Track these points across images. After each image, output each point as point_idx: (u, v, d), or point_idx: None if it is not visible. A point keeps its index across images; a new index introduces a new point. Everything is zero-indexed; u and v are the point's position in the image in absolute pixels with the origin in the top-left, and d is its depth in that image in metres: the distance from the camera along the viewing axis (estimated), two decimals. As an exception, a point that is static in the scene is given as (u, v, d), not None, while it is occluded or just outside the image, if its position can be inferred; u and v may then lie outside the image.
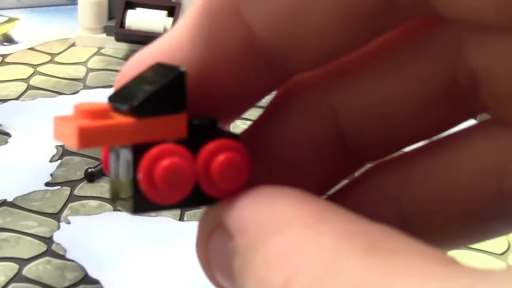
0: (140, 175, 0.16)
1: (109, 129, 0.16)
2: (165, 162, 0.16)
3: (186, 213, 0.49)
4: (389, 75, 0.18)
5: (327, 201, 0.15)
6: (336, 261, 0.14)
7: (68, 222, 0.48)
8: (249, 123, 0.20)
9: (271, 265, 0.14)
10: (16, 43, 0.73)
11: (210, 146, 0.16)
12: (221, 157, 0.16)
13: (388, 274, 0.13)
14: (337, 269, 0.13)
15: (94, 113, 0.16)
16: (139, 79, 0.17)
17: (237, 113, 0.19)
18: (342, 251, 0.14)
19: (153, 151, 0.16)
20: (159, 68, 0.17)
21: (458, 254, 0.47)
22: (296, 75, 0.18)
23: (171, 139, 0.16)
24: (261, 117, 0.20)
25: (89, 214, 0.49)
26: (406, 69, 0.18)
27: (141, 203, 0.16)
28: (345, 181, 0.20)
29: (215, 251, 0.17)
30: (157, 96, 0.16)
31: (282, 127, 0.19)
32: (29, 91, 0.64)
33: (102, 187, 0.51)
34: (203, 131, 0.17)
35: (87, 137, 0.16)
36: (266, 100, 0.20)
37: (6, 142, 0.57)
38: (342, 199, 0.18)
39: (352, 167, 0.20)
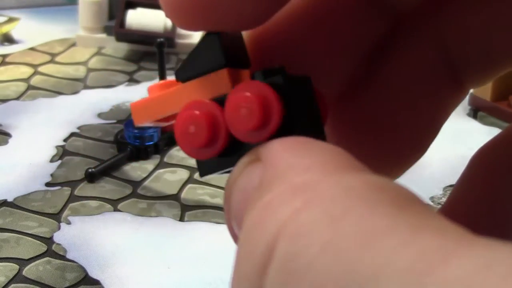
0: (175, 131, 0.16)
1: (158, 99, 0.16)
2: (182, 115, 0.16)
3: (187, 213, 0.49)
4: None
5: (350, 155, 0.14)
6: (360, 203, 0.12)
7: (69, 223, 0.48)
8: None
9: (283, 192, 0.13)
10: (16, 43, 0.73)
11: (234, 91, 0.16)
12: (233, 97, 0.15)
13: (418, 229, 0.12)
14: (361, 211, 0.12)
15: (160, 87, 0.17)
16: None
17: (340, 72, 0.18)
18: (370, 197, 0.13)
19: (183, 108, 0.16)
20: (203, 35, 0.17)
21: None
22: (400, 14, 0.18)
23: (219, 95, 0.16)
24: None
25: (90, 215, 0.49)
26: None
27: (202, 167, 0.16)
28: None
29: (239, 187, 0.15)
30: (192, 58, 0.16)
31: (391, 67, 0.18)
32: (30, 91, 0.64)
33: (103, 187, 0.51)
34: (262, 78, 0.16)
35: (139, 112, 0.17)
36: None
37: (7, 142, 0.56)
38: (387, 53, 0.18)
39: (458, 97, 0.19)
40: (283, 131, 0.15)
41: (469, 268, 0.11)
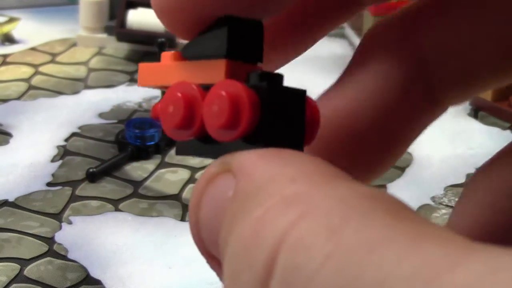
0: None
1: (161, 68, 0.17)
2: (168, 93, 0.16)
3: (188, 213, 0.49)
4: (475, 12, 0.17)
5: (341, 170, 0.14)
6: (355, 215, 0.12)
7: (70, 223, 0.48)
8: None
9: (276, 205, 0.13)
10: (17, 43, 0.72)
11: (218, 84, 0.16)
12: (211, 93, 0.15)
13: (417, 238, 0.12)
14: (357, 222, 0.12)
15: (171, 57, 0.17)
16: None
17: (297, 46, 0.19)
18: (364, 207, 0.13)
19: (171, 86, 0.16)
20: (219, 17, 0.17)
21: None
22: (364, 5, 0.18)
23: (212, 82, 0.16)
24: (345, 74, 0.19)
25: (91, 215, 0.49)
26: (491, 8, 0.17)
27: (179, 146, 0.17)
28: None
29: (208, 202, 0.15)
30: (201, 38, 0.16)
31: (365, 76, 0.18)
32: (30, 91, 0.64)
33: (104, 187, 0.51)
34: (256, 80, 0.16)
35: (143, 74, 0.17)
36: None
37: (8, 142, 0.56)
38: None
39: (433, 114, 0.19)
40: (253, 137, 0.15)
41: (475, 274, 0.11)
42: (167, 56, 0.17)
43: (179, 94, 0.16)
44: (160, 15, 0.17)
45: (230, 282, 0.14)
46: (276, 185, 0.13)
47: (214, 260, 0.15)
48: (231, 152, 0.15)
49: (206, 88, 0.16)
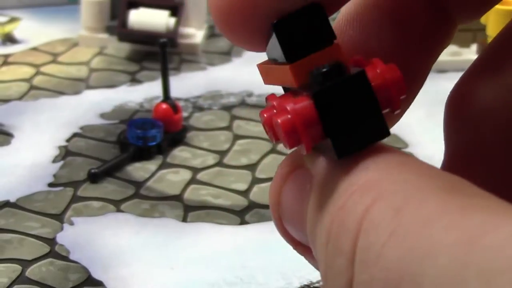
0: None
1: (266, 69, 0.18)
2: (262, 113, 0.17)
3: (190, 214, 0.49)
4: None
5: (409, 154, 0.16)
6: (417, 194, 0.14)
7: (71, 223, 0.48)
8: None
9: (353, 194, 0.15)
10: (18, 43, 0.72)
11: (277, 105, 0.16)
12: (274, 119, 0.16)
13: (465, 210, 0.13)
14: (418, 200, 0.14)
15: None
16: None
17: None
18: (424, 186, 0.14)
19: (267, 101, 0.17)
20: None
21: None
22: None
23: (292, 86, 0.16)
24: None
25: (92, 215, 0.49)
26: None
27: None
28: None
29: (288, 195, 0.17)
30: (273, 42, 0.16)
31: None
32: (32, 91, 0.64)
33: (105, 188, 0.51)
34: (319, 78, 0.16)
35: (262, 73, 0.18)
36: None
37: (9, 142, 0.56)
38: None
39: (447, 33, 0.19)
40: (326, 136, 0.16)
41: (504, 237, 0.13)
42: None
43: (265, 115, 0.17)
44: (221, 23, 0.17)
45: (325, 267, 0.16)
46: (351, 176, 0.15)
47: (300, 246, 0.18)
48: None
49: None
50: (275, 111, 0.16)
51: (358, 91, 0.15)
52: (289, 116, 0.15)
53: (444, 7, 0.19)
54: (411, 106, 0.20)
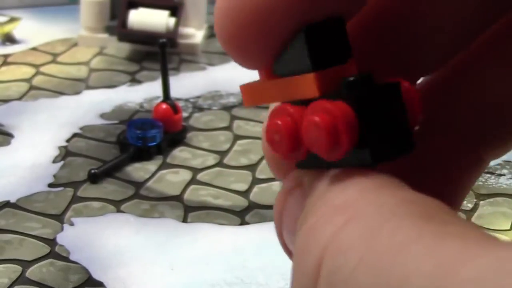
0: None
1: (259, 87, 0.17)
2: (270, 122, 0.16)
3: (190, 214, 0.49)
4: None
5: (387, 174, 0.15)
6: (392, 219, 0.14)
7: (72, 224, 0.48)
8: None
9: (325, 214, 0.15)
10: (18, 43, 0.72)
11: (310, 107, 0.16)
12: (308, 119, 0.16)
13: (441, 237, 0.13)
14: (392, 225, 0.14)
15: (264, 75, 0.17)
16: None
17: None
18: (400, 212, 0.14)
19: (271, 112, 0.16)
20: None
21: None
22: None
23: (307, 98, 0.16)
24: None
25: (92, 216, 0.49)
26: None
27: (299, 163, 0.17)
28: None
29: (290, 207, 0.17)
30: (285, 54, 0.16)
31: None
32: (32, 92, 0.64)
33: (105, 188, 0.51)
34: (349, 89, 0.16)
35: (246, 94, 0.17)
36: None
37: (9, 143, 0.56)
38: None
39: (479, 169, 0.19)
40: (358, 147, 0.15)
41: (483, 269, 0.12)
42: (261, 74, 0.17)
43: (279, 122, 0.16)
44: (229, 46, 0.16)
45: (293, 279, 0.15)
46: (330, 195, 0.15)
47: None
48: (343, 165, 0.16)
49: (303, 103, 0.16)
50: (289, 117, 0.16)
51: (394, 101, 0.16)
52: (328, 116, 0.15)
53: (476, 152, 0.19)
54: None
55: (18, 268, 0.44)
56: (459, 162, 0.19)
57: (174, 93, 0.58)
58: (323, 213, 0.15)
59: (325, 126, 0.15)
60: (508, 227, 0.49)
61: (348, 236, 0.14)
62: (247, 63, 0.17)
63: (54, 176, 0.52)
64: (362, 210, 0.14)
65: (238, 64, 0.17)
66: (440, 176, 0.19)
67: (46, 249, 0.45)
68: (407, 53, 0.18)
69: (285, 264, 0.44)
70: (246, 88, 0.18)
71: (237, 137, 0.58)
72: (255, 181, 0.53)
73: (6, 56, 0.69)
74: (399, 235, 0.13)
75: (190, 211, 0.49)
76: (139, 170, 0.53)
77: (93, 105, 0.62)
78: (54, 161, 0.54)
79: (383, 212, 0.14)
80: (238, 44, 0.16)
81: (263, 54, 0.16)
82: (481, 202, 0.51)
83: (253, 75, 0.18)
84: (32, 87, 0.64)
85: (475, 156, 0.19)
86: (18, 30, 0.75)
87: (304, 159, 0.17)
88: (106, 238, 0.46)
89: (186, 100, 0.63)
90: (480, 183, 0.53)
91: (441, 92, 0.19)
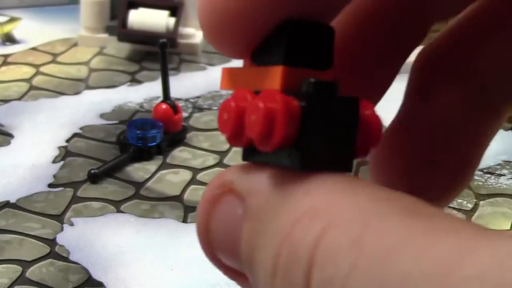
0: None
1: (235, 73, 0.17)
2: (225, 101, 0.16)
3: (190, 214, 0.49)
4: None
5: (355, 176, 0.15)
6: (374, 220, 0.13)
7: (71, 224, 0.48)
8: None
9: (300, 221, 0.14)
10: (18, 43, 0.72)
11: (261, 94, 0.15)
12: (253, 103, 0.15)
13: (433, 234, 0.12)
14: (377, 227, 0.13)
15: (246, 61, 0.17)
16: None
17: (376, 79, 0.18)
18: (380, 211, 0.13)
19: (233, 94, 0.16)
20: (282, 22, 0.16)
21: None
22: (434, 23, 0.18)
23: (266, 88, 0.16)
24: None
25: (92, 216, 0.49)
26: None
27: (244, 151, 0.17)
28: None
29: (218, 220, 0.16)
30: (265, 44, 0.16)
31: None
32: (32, 92, 0.64)
33: (105, 189, 0.51)
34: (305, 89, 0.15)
35: (225, 78, 0.17)
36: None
37: (9, 143, 0.56)
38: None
39: (496, 123, 0.19)
40: (295, 147, 0.15)
41: (485, 264, 0.11)
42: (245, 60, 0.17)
43: (233, 104, 0.16)
44: (209, 35, 0.16)
45: None
46: (292, 200, 0.14)
47: (232, 273, 0.16)
48: (275, 163, 0.15)
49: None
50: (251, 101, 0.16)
51: (346, 115, 0.15)
52: (272, 104, 0.15)
53: (417, 7, 0.18)
54: (385, 104, 0.20)
55: (18, 268, 0.44)
56: (477, 115, 0.18)
57: (174, 93, 0.58)
58: (296, 221, 0.14)
59: (264, 112, 0.15)
60: (508, 227, 0.49)
61: (333, 243, 0.13)
62: (228, 53, 0.17)
63: (54, 176, 0.52)
64: (339, 214, 0.13)
65: (221, 53, 0.17)
66: (459, 130, 0.18)
67: (46, 249, 0.45)
68: None
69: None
70: (227, 72, 0.18)
71: (237, 137, 0.58)
72: (255, 181, 0.53)
73: (6, 56, 0.69)
74: (388, 236, 0.13)
75: (190, 211, 0.49)
76: (139, 170, 0.53)
77: (93, 105, 0.62)
78: (54, 161, 0.54)
79: (363, 214, 0.13)
80: (220, 35, 0.16)
81: (244, 45, 0.16)
82: (481, 202, 0.51)
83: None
84: (32, 87, 0.64)
85: (493, 108, 0.18)
86: (18, 30, 0.75)
87: (245, 148, 0.16)
88: (106, 238, 0.46)
89: (186, 100, 0.63)
90: (480, 183, 0.53)
91: (461, 41, 0.18)
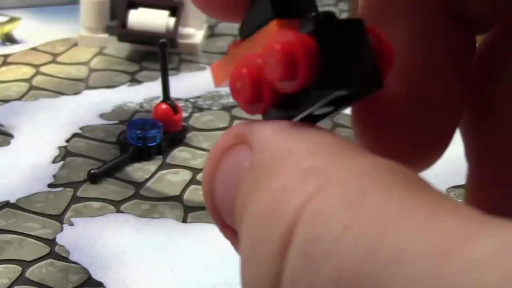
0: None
1: (228, 59, 0.17)
2: (234, 71, 0.16)
3: (190, 214, 0.49)
4: None
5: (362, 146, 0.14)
6: (376, 186, 0.12)
7: (71, 224, 0.48)
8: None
9: (295, 177, 0.13)
10: (18, 43, 0.72)
11: (271, 37, 0.15)
12: (268, 45, 0.15)
13: (435, 211, 0.12)
14: (377, 194, 0.12)
15: (233, 45, 0.17)
16: None
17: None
18: (383, 180, 0.13)
19: (236, 65, 0.16)
20: None
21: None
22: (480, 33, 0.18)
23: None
24: None
25: (92, 216, 0.49)
26: None
27: (264, 115, 0.16)
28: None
29: (227, 169, 0.15)
30: (249, 13, 0.16)
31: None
32: (32, 92, 0.64)
33: (105, 189, 0.51)
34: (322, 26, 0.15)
35: (216, 73, 0.17)
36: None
37: (9, 143, 0.56)
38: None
39: (461, 41, 0.18)
40: (322, 82, 0.15)
41: (490, 249, 0.11)
42: (234, 47, 0.17)
43: (244, 70, 0.16)
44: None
45: (248, 252, 0.14)
46: (294, 158, 0.14)
47: (228, 229, 0.16)
48: (306, 109, 0.15)
49: None
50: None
51: (357, 36, 0.15)
52: (288, 43, 0.15)
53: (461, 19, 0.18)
54: None
55: (18, 269, 0.44)
56: (450, 40, 0.18)
57: (174, 93, 0.58)
58: (290, 177, 0.13)
59: (283, 51, 0.15)
60: (508, 228, 0.49)
61: (326, 203, 0.12)
62: (214, 13, 0.17)
63: (54, 176, 0.52)
64: (338, 175, 0.13)
65: (208, 15, 0.17)
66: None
67: (46, 249, 0.45)
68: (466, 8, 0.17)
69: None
70: (216, 67, 0.17)
71: (237, 137, 0.58)
72: (255, 181, 0.52)
73: (6, 56, 0.69)
74: (389, 205, 0.12)
75: (190, 211, 0.49)
76: (139, 170, 0.53)
77: (93, 105, 0.62)
78: (54, 161, 0.54)
79: (363, 180, 0.13)
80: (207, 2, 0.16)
81: (229, 3, 0.16)
82: (481, 202, 0.51)
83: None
84: (32, 87, 0.64)
85: (464, 26, 0.18)
86: (18, 30, 0.75)
87: (264, 113, 0.16)
88: (106, 238, 0.46)
89: (186, 100, 0.63)
90: (480, 183, 0.53)
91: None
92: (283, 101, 0.15)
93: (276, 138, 0.14)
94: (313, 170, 0.13)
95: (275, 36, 0.15)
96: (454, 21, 0.18)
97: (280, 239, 0.13)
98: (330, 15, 0.15)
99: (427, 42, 0.18)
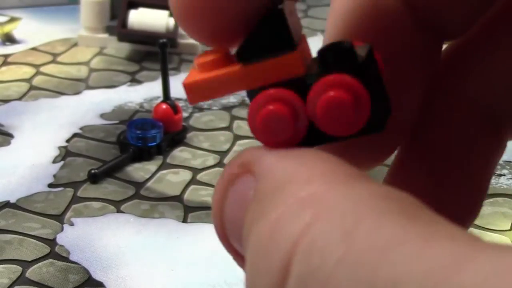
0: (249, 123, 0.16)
1: (217, 80, 0.16)
2: (264, 111, 0.16)
3: (190, 214, 0.49)
4: None
5: (356, 168, 0.14)
6: (370, 215, 0.12)
7: (71, 224, 0.48)
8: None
9: (291, 206, 0.13)
10: (18, 43, 0.72)
11: (319, 84, 0.15)
12: (325, 97, 0.15)
13: (429, 238, 0.12)
14: (371, 223, 0.12)
15: (211, 64, 0.16)
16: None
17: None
18: (378, 208, 0.13)
19: (257, 98, 0.16)
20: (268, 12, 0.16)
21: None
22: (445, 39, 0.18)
23: (288, 78, 0.16)
24: None
25: (92, 216, 0.49)
26: None
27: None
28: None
29: (235, 198, 0.16)
30: (256, 37, 0.16)
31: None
32: (32, 92, 0.64)
33: (105, 189, 0.51)
34: (333, 61, 0.15)
35: (194, 91, 0.16)
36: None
37: (9, 143, 0.56)
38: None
39: (499, 148, 0.18)
40: (370, 127, 0.15)
41: (483, 275, 0.11)
42: (205, 62, 0.16)
43: (281, 109, 0.15)
44: (182, 20, 0.16)
45: (250, 281, 0.14)
46: (293, 186, 0.14)
47: (239, 257, 0.16)
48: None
49: (281, 85, 0.16)
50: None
51: (377, 67, 0.16)
52: (347, 91, 0.15)
53: (497, 129, 0.18)
54: None
55: (18, 269, 0.44)
56: (479, 141, 0.18)
57: (174, 93, 0.58)
58: (287, 206, 0.13)
59: (349, 99, 0.15)
60: (508, 227, 0.49)
61: (322, 233, 0.13)
62: (199, 37, 0.16)
63: (54, 176, 0.52)
64: (333, 204, 0.13)
65: (193, 38, 0.17)
66: (461, 161, 0.18)
67: (46, 249, 0.45)
68: (435, 15, 0.18)
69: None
70: (196, 84, 0.16)
71: (237, 137, 0.58)
72: (255, 181, 0.52)
73: (6, 56, 0.69)
74: (383, 234, 0.12)
75: (190, 211, 0.49)
76: (139, 170, 0.53)
77: (93, 105, 0.62)
78: (54, 161, 0.54)
79: (358, 207, 0.13)
80: (190, 17, 0.16)
81: (213, 28, 0.16)
82: (481, 202, 0.51)
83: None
84: (32, 87, 0.64)
85: (495, 134, 0.18)
86: (18, 30, 0.75)
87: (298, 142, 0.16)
88: (106, 239, 0.46)
89: (186, 100, 0.63)
90: (480, 183, 0.53)
91: (461, 63, 0.18)
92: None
93: (278, 166, 0.15)
94: (309, 199, 0.13)
95: (326, 80, 0.15)
96: (421, 27, 0.18)
97: (279, 271, 0.13)
98: (349, 51, 0.15)
99: (391, 49, 0.18)
